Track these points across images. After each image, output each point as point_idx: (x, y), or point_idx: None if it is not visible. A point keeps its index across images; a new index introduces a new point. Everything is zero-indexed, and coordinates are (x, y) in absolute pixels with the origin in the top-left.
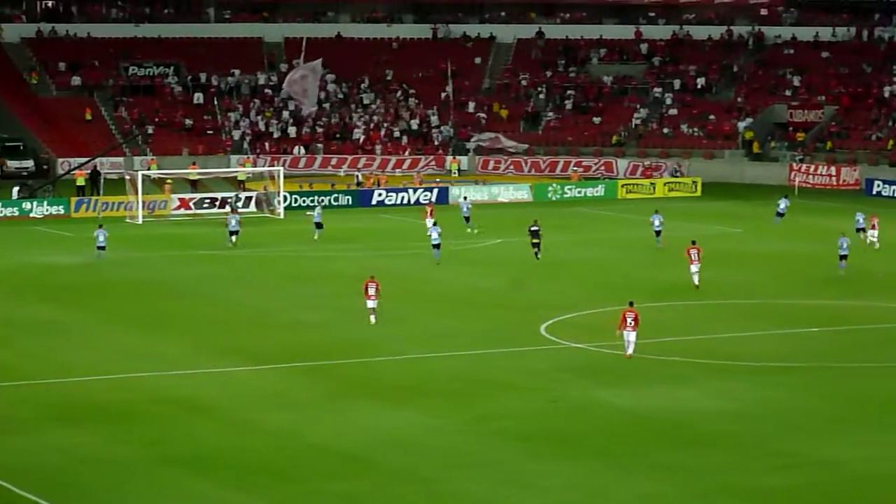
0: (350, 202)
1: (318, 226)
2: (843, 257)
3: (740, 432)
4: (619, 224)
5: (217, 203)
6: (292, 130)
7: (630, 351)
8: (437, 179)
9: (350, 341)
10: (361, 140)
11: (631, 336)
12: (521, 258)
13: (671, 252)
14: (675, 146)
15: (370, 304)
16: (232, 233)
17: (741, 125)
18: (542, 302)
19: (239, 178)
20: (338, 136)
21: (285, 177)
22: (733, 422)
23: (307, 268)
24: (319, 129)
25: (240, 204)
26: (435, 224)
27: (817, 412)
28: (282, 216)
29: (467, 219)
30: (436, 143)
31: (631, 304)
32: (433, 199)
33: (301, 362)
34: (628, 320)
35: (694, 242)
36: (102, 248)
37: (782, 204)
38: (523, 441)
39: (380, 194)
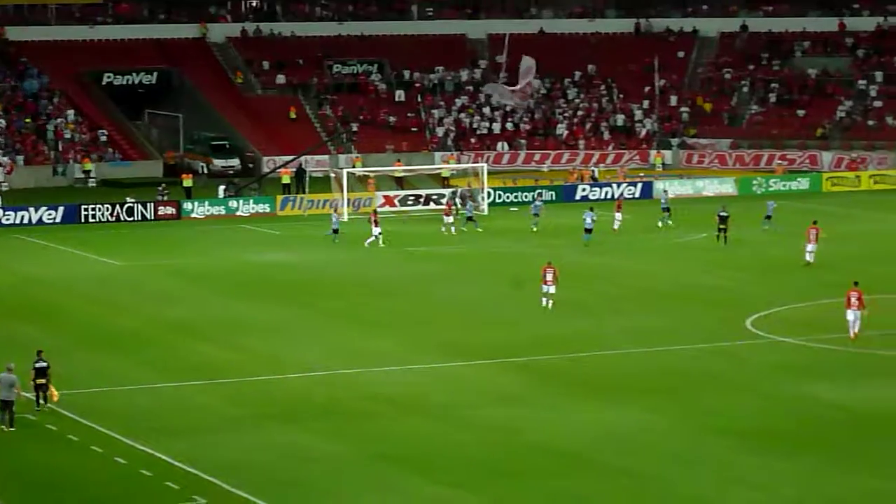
0: (554, 197)
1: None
2: None
3: None
4: (823, 217)
5: (422, 200)
6: (496, 127)
7: (855, 330)
8: (642, 174)
9: (560, 336)
10: (565, 135)
11: (853, 315)
12: (723, 252)
13: (876, 246)
14: (880, 138)
15: (545, 288)
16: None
17: None
18: (747, 296)
19: (443, 175)
20: (541, 132)
21: (489, 173)
22: None
23: (513, 263)
24: (523, 126)
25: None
26: (591, 209)
27: None
28: (485, 212)
29: (667, 209)
30: (639, 137)
31: (856, 283)
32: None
33: (513, 358)
34: (852, 300)
35: (815, 223)
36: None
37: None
38: (739, 437)
39: (584, 189)
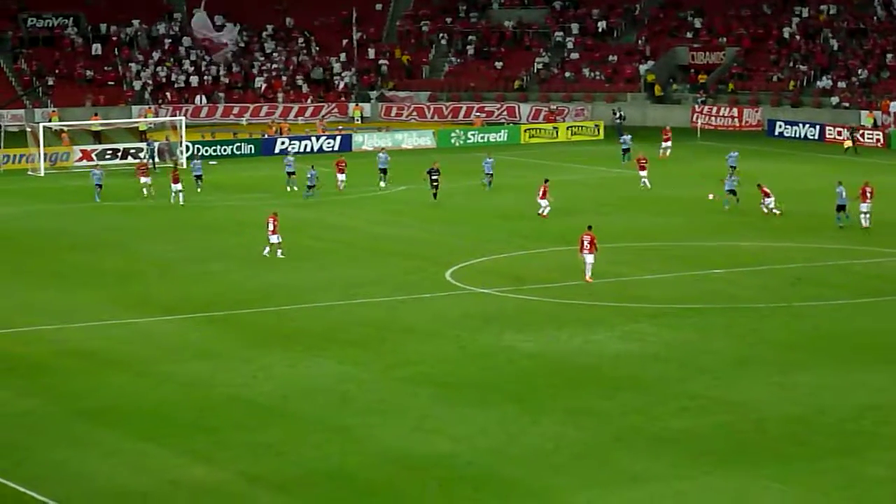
0: (253, 151)
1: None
2: (840, 207)
3: (648, 375)
4: (521, 169)
5: (120, 154)
6: (194, 80)
7: (589, 274)
8: (340, 127)
9: (259, 290)
10: (263, 89)
11: (589, 258)
12: (426, 204)
13: (572, 199)
14: (577, 90)
15: (273, 238)
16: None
17: (643, 68)
18: (446, 248)
19: (141, 129)
20: (239, 85)
21: (187, 126)
22: (641, 364)
23: (212, 217)
24: (222, 79)
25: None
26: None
27: (724, 353)
28: (184, 166)
29: (384, 171)
30: (338, 90)
31: (589, 227)
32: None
33: (211, 312)
34: (585, 243)
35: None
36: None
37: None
38: (435, 387)
39: (283, 142)
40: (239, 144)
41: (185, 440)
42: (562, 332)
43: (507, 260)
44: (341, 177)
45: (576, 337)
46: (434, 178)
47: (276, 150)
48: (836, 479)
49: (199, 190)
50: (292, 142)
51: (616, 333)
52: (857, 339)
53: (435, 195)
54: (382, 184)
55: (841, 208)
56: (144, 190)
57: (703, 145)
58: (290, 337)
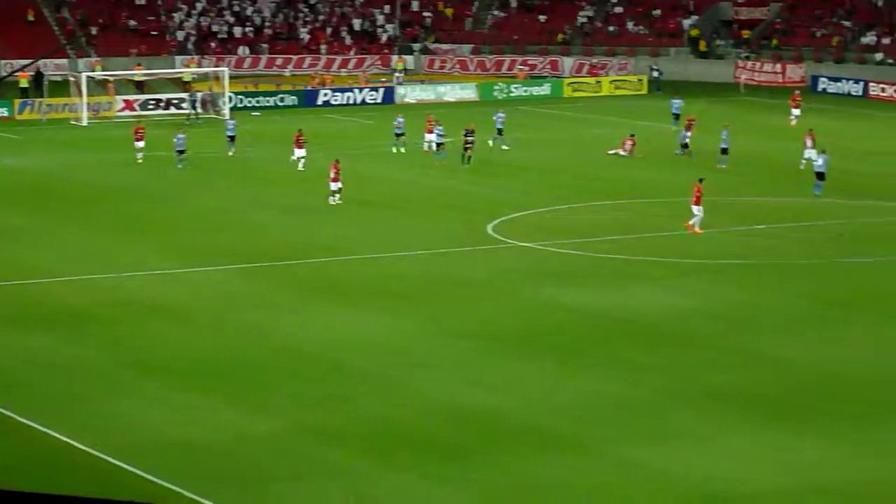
0: (296, 102)
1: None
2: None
3: (692, 330)
4: (565, 122)
5: (163, 104)
6: (237, 31)
7: (697, 226)
8: (383, 79)
9: (304, 243)
10: (307, 40)
11: (696, 210)
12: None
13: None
14: (620, 44)
15: (333, 186)
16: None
17: (686, 23)
18: (489, 202)
19: (184, 80)
20: (283, 36)
21: (230, 77)
22: (686, 319)
23: (256, 170)
24: (265, 30)
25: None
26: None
27: (769, 309)
28: (228, 117)
29: (500, 131)
30: (381, 42)
31: (700, 180)
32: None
33: (259, 263)
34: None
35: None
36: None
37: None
38: (477, 340)
39: (325, 94)
40: (282, 96)
41: (237, 390)
42: (603, 286)
43: (549, 214)
44: (429, 136)
45: (617, 291)
46: (469, 139)
47: (319, 102)
48: (882, 437)
49: (231, 153)
50: (335, 94)
51: (658, 288)
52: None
53: (469, 159)
54: (491, 142)
55: (820, 175)
56: (138, 154)
57: (747, 100)
58: (336, 289)
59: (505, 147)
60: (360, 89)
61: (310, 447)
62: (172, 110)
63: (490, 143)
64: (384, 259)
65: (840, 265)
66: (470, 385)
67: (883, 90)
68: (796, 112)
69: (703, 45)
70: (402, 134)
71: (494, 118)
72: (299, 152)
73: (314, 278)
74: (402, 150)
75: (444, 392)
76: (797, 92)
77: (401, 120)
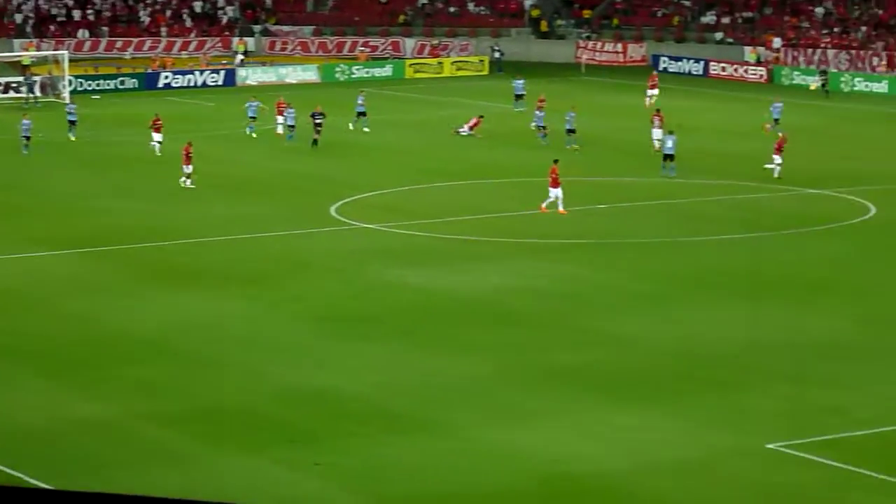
0: (136, 85)
1: (361, 115)
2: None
3: (536, 309)
4: (408, 104)
5: (2, 88)
6: (76, 14)
7: (561, 207)
8: (224, 62)
9: (144, 226)
10: (147, 23)
11: (554, 192)
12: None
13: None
14: (462, 25)
15: (186, 168)
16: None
17: (527, 3)
18: (333, 183)
19: (23, 63)
20: (123, 19)
21: (70, 60)
22: (532, 299)
23: (100, 154)
24: (105, 13)
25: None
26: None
27: (611, 288)
28: (67, 100)
29: (361, 114)
30: (222, 24)
31: (556, 161)
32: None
33: (96, 247)
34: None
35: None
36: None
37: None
38: (320, 322)
39: (166, 77)
40: (122, 79)
41: (70, 374)
42: (447, 267)
43: (393, 195)
44: (280, 119)
45: (462, 272)
46: (318, 121)
47: (160, 85)
48: (720, 412)
49: (72, 137)
50: (175, 76)
51: (504, 268)
52: (738, 275)
53: (316, 141)
54: (351, 126)
55: (668, 157)
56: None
57: (588, 80)
58: (180, 272)
59: (366, 129)
60: (201, 72)
61: (147, 432)
62: (11, 94)
63: (351, 126)
64: (229, 242)
65: (684, 244)
66: (316, 367)
67: (723, 69)
68: (653, 92)
69: (544, 26)
70: (254, 118)
71: (358, 100)
72: (157, 136)
73: (158, 262)
74: (254, 134)
75: (291, 375)
76: (655, 73)
77: (255, 103)
